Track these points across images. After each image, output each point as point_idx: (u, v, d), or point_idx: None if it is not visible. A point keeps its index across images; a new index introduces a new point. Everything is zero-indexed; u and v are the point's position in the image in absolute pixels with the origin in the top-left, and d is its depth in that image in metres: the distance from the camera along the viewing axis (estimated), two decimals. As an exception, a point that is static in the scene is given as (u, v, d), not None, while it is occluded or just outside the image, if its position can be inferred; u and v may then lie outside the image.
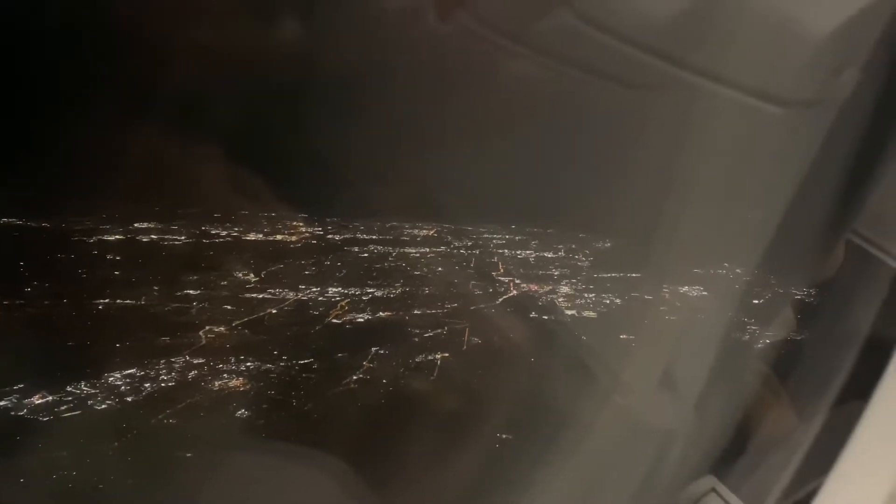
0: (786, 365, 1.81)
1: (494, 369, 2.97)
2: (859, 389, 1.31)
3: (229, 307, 2.93)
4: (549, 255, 3.50)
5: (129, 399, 2.49)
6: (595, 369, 2.34)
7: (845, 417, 1.32)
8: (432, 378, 2.97)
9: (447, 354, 3.04)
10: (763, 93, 1.58)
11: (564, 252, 3.50)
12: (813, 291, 2.03)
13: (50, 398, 2.37)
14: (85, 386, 2.44)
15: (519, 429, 2.48)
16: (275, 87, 2.22)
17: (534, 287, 3.40)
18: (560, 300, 3.37)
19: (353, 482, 1.98)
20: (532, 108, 2.10)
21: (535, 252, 3.51)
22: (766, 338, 2.15)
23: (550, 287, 3.38)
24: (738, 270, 2.07)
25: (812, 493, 1.33)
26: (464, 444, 2.37)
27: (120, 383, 2.51)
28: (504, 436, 2.48)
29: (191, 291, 2.87)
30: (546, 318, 3.29)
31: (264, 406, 2.66)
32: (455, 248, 3.41)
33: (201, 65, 1.92)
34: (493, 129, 2.19)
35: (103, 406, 2.43)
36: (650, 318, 2.82)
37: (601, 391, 2.15)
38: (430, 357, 3.04)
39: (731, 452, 1.69)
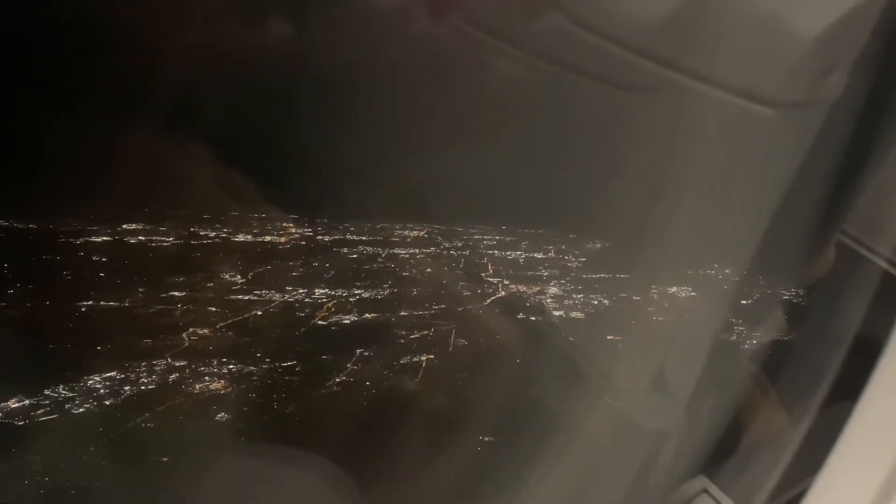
0: (776, 365, 1.82)
1: (480, 371, 2.97)
2: (849, 389, 1.32)
3: (214, 309, 2.89)
4: (539, 255, 3.49)
5: (107, 402, 2.45)
6: (583, 370, 2.34)
7: (835, 417, 1.33)
8: (416, 380, 2.95)
9: (432, 356, 3.03)
10: (752, 94, 1.60)
11: (554, 253, 3.50)
12: (802, 292, 2.04)
13: (27, 402, 2.32)
14: (63, 389, 2.40)
15: (505, 431, 2.47)
16: (266, 87, 2.20)
17: (522, 288, 3.40)
18: (548, 301, 3.37)
19: (340, 482, 1.97)
20: (523, 109, 2.10)
21: (525, 253, 3.51)
22: (755, 338, 2.17)
23: (539, 288, 3.38)
24: (726, 271, 2.08)
25: (802, 493, 1.33)
26: (448, 447, 2.36)
27: (99, 386, 2.47)
28: (487, 438, 2.47)
29: (176, 293, 2.83)
30: (534, 318, 3.29)
31: (244, 409, 2.63)
32: (445, 248, 3.39)
33: (191, 64, 1.90)
34: (485, 129, 2.19)
35: (81, 410, 2.39)
36: (639, 319, 2.84)
37: (590, 392, 2.15)
38: (415, 359, 3.02)
39: (722, 452, 1.70)
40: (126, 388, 2.51)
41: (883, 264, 1.49)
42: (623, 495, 1.72)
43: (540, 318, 3.25)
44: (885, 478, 1.24)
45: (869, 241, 1.56)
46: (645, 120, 1.84)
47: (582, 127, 2.11)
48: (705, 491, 1.66)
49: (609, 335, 2.72)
